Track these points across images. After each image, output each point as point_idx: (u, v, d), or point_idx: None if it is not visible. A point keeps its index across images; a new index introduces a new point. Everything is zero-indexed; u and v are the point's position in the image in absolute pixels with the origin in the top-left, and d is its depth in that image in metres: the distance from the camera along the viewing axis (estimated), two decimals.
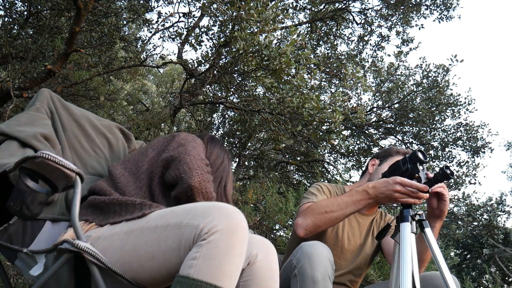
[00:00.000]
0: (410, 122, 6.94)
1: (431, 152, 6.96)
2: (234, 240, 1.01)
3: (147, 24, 5.08)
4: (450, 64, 6.42)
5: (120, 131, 1.68)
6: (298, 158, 6.36)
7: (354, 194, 1.64)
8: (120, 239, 1.11)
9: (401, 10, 6.59)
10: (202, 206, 1.07)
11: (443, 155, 7.09)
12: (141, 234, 1.09)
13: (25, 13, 4.22)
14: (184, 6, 6.89)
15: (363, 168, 2.09)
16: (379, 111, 7.18)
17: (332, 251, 1.61)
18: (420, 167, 1.57)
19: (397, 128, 7.17)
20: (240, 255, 1.03)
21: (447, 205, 1.63)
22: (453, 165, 7.02)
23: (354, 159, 7.06)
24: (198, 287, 0.96)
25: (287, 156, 6.41)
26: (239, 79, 4.48)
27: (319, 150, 5.97)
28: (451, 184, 6.71)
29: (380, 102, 7.14)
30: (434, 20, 6.70)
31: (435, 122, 6.89)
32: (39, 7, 4.13)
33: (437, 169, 7.00)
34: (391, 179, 1.56)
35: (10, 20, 4.19)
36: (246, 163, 6.75)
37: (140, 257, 1.07)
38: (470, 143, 6.90)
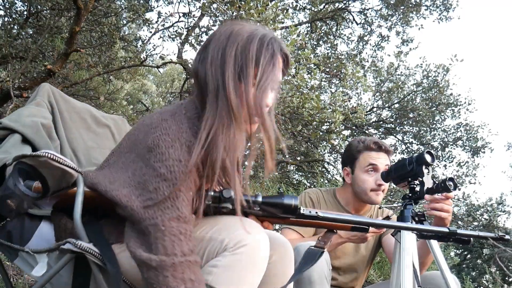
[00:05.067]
0: (410, 122, 6.94)
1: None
2: (257, 257, 0.99)
3: (147, 24, 5.08)
4: (450, 64, 6.43)
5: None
6: (298, 158, 6.36)
7: None
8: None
9: (401, 10, 6.59)
10: (225, 220, 1.04)
11: (443, 155, 7.09)
12: None
13: (25, 13, 4.21)
14: (184, 6, 6.87)
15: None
16: (379, 111, 7.18)
17: (329, 254, 1.61)
18: (426, 170, 1.56)
19: (397, 128, 7.17)
20: (259, 273, 1.01)
21: (444, 221, 1.58)
22: (453, 165, 7.02)
23: None
24: None
25: (287, 156, 6.40)
26: None
27: (319, 150, 5.96)
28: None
29: (380, 102, 7.14)
30: (433, 21, 6.71)
31: (435, 122, 6.89)
32: (39, 7, 4.13)
33: (438, 168, 7.02)
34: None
35: (10, 20, 4.18)
36: (246, 163, 6.73)
37: None
38: (470, 143, 6.90)
